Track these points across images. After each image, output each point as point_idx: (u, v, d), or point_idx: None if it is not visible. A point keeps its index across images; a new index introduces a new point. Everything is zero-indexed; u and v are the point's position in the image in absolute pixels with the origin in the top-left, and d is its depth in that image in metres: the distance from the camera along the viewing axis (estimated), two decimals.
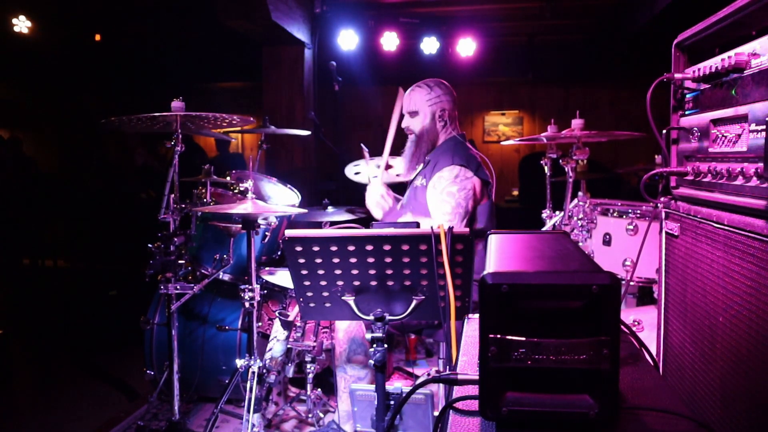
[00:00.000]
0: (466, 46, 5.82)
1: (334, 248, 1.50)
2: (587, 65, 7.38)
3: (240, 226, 2.43)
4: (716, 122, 1.23)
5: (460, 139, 2.47)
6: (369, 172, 2.74)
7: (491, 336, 0.87)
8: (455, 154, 2.37)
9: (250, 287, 2.31)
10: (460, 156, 2.36)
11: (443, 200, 2.28)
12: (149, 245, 2.28)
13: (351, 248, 1.49)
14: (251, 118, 2.57)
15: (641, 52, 6.23)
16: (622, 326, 1.27)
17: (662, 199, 1.49)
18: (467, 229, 1.49)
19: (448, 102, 2.49)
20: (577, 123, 2.45)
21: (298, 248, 1.51)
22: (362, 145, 2.75)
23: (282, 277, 2.80)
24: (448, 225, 2.20)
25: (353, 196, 3.19)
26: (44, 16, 6.20)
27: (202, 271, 2.75)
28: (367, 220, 3.07)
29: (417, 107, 2.49)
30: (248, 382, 2.26)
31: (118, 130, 2.54)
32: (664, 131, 1.43)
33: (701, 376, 1.26)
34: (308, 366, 2.69)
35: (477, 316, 1.14)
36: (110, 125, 2.35)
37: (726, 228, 1.15)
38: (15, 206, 6.49)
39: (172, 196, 2.34)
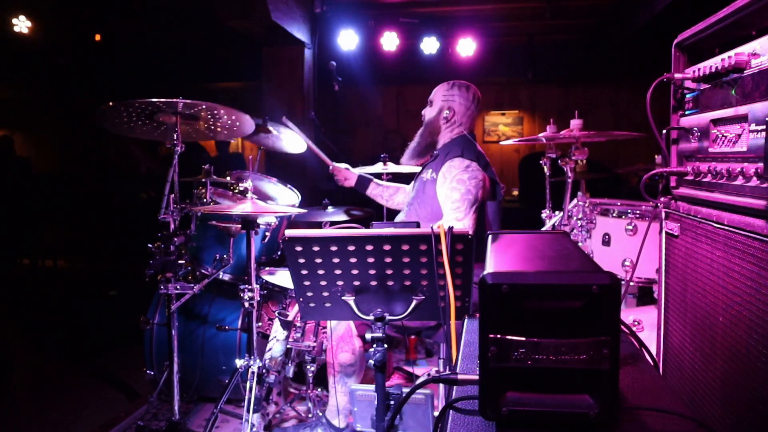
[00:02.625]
0: (466, 46, 5.82)
1: (334, 248, 1.50)
2: (587, 65, 7.38)
3: (240, 226, 2.43)
4: (716, 122, 1.23)
5: (470, 138, 2.51)
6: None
7: (491, 336, 0.87)
8: (465, 150, 2.41)
9: (250, 287, 2.31)
10: (469, 152, 2.40)
11: (453, 188, 2.29)
12: (149, 245, 2.28)
13: (351, 248, 1.49)
14: (248, 116, 2.56)
15: (641, 52, 6.24)
16: (622, 326, 1.27)
17: (662, 199, 1.49)
18: (467, 229, 1.49)
19: (460, 104, 2.53)
20: (575, 123, 2.45)
21: (298, 248, 1.51)
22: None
23: (282, 277, 2.80)
24: (457, 214, 2.24)
25: (353, 196, 3.20)
26: (44, 16, 6.20)
27: (202, 271, 2.75)
28: (367, 220, 3.07)
29: (433, 98, 2.60)
30: (248, 382, 2.26)
31: (117, 132, 2.54)
32: (664, 131, 1.43)
33: (701, 376, 1.26)
34: (308, 366, 2.69)
35: (477, 316, 1.14)
36: (108, 116, 2.34)
37: (726, 228, 1.15)
38: (12, 206, 6.49)
39: (172, 196, 2.34)
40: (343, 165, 2.99)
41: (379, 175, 3.22)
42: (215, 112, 2.40)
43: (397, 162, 3.03)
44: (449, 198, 2.28)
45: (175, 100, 2.27)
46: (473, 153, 2.41)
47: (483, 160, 2.42)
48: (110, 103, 2.25)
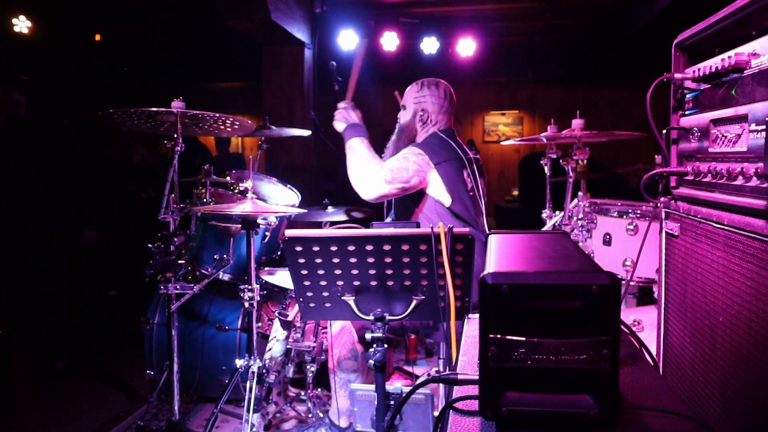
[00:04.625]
0: (466, 46, 5.82)
1: (334, 248, 1.50)
2: (587, 65, 7.38)
3: (240, 226, 2.43)
4: (716, 122, 1.23)
5: (440, 135, 2.47)
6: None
7: (491, 336, 0.87)
8: (425, 144, 2.41)
9: (250, 287, 2.31)
10: (429, 146, 2.38)
11: (397, 158, 2.32)
12: (149, 245, 2.28)
13: (351, 248, 1.49)
14: (249, 121, 2.57)
15: (641, 52, 6.24)
16: (622, 326, 1.27)
17: (662, 199, 1.49)
18: (467, 229, 1.49)
19: (432, 104, 2.51)
20: (577, 123, 2.45)
21: (298, 248, 1.51)
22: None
23: (282, 277, 2.80)
24: (386, 172, 2.26)
25: (353, 196, 3.20)
26: (44, 16, 6.20)
27: (202, 271, 2.75)
28: (367, 220, 3.07)
29: (405, 102, 2.58)
30: (248, 382, 2.26)
31: (117, 128, 2.55)
32: (664, 131, 1.43)
33: (701, 376, 1.26)
34: (308, 366, 2.69)
35: (477, 316, 1.14)
36: (107, 119, 2.35)
37: (726, 228, 1.15)
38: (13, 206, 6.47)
39: (172, 196, 2.34)
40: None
41: None
42: (218, 117, 2.41)
43: None
44: (391, 161, 2.31)
45: (176, 110, 2.27)
46: (431, 147, 2.37)
47: (445, 153, 2.35)
48: (111, 110, 2.25)
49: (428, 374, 2.83)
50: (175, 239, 2.31)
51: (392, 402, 1.56)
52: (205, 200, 2.66)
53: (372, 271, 1.53)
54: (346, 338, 2.32)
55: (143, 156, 6.45)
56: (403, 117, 2.58)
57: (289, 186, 3.13)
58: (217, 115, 2.37)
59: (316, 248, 1.50)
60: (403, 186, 2.29)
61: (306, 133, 3.16)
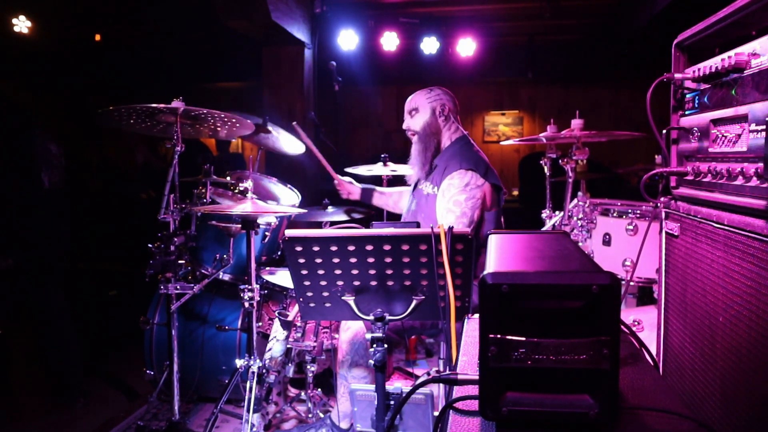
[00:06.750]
0: (466, 46, 5.82)
1: (334, 248, 1.50)
2: (587, 65, 7.38)
3: (240, 226, 2.43)
4: (716, 122, 1.23)
5: (468, 140, 2.49)
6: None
7: (491, 336, 0.87)
8: (464, 158, 2.36)
9: (250, 287, 2.31)
10: (468, 159, 2.35)
11: (449, 209, 2.28)
12: (149, 245, 2.28)
13: (351, 248, 1.49)
14: (248, 121, 2.57)
15: (641, 52, 6.24)
16: (622, 326, 1.27)
17: (662, 199, 1.49)
18: (467, 229, 1.49)
19: (448, 101, 2.54)
20: (576, 123, 2.45)
21: (298, 248, 1.51)
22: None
23: (282, 277, 2.80)
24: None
25: None
26: (44, 16, 6.20)
27: (202, 271, 2.75)
28: (367, 220, 3.07)
29: (417, 105, 2.55)
30: (248, 382, 2.26)
31: (118, 128, 2.55)
32: (664, 131, 1.43)
33: (701, 376, 1.26)
34: (308, 366, 2.69)
35: (477, 316, 1.14)
36: (108, 116, 2.35)
37: (726, 228, 1.15)
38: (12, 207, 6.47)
39: (172, 196, 2.34)
40: (347, 179, 2.98)
41: (379, 177, 3.21)
42: (215, 115, 2.40)
43: (396, 162, 3.02)
44: (445, 218, 2.29)
45: (175, 105, 2.27)
46: (472, 159, 2.36)
47: (483, 164, 2.36)
48: (111, 107, 2.25)
49: (428, 374, 2.83)
50: (175, 239, 2.31)
51: (392, 402, 1.56)
52: (205, 200, 2.66)
53: (372, 271, 1.53)
54: (359, 344, 2.31)
55: (146, 157, 6.45)
56: (419, 120, 2.53)
57: (289, 186, 3.13)
58: (216, 113, 2.36)
59: (316, 248, 1.50)
60: (472, 227, 2.28)
61: (300, 149, 3.16)
